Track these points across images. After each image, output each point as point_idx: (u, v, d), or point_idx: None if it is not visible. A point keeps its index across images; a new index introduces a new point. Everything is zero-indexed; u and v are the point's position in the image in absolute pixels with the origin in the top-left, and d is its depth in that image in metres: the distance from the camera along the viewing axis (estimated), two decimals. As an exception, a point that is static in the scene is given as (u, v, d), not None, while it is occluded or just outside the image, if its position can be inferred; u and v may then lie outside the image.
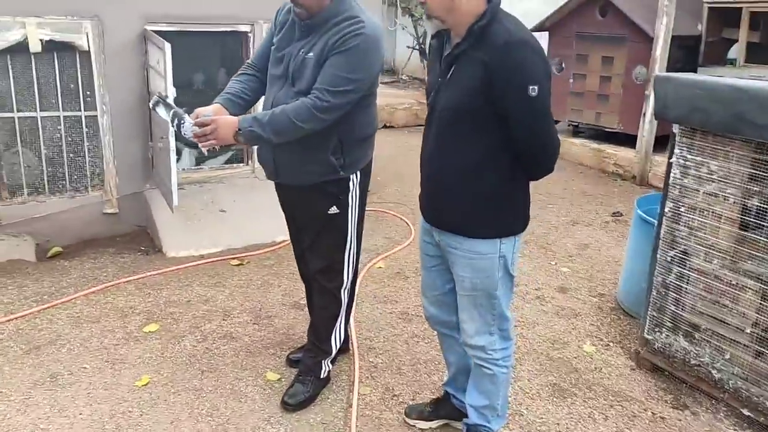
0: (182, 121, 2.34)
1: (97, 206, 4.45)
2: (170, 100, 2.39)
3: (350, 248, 2.69)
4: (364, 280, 3.88)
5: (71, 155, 4.33)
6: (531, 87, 1.92)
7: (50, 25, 4.00)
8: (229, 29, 4.59)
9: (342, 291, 2.73)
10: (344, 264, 2.70)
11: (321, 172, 2.52)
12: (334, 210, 2.59)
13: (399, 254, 4.29)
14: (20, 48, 3.97)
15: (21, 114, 4.12)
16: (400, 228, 4.76)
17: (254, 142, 2.42)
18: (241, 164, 5.00)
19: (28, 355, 3.02)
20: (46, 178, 4.30)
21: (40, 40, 3.99)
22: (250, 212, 4.57)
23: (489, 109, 1.98)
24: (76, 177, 4.38)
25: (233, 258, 4.14)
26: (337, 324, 2.78)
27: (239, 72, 2.65)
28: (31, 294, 3.59)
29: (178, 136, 2.77)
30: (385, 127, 8.04)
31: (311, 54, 2.40)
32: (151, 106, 2.38)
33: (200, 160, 5.12)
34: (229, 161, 5.10)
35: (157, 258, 4.16)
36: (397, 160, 6.40)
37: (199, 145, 2.37)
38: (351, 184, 2.60)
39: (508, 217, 2.15)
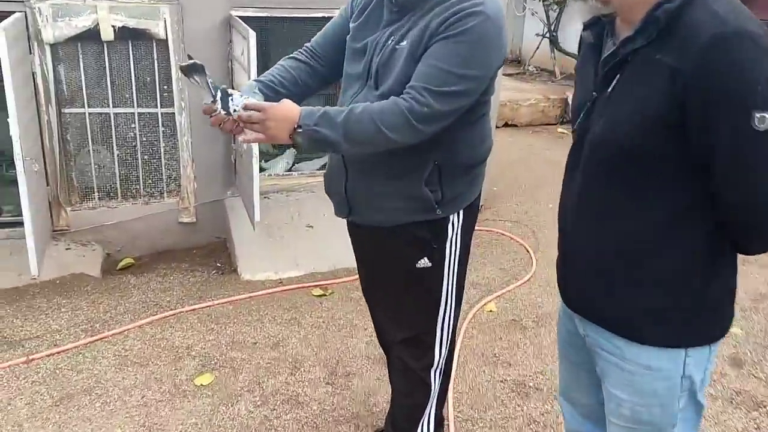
0: (230, 96, 1.62)
1: (173, 214, 3.96)
2: (208, 73, 1.70)
3: (445, 315, 1.94)
4: (469, 328, 3.11)
5: (146, 157, 3.85)
6: (757, 114, 1.10)
7: (124, 9, 3.51)
8: (325, 14, 3.93)
9: (433, 372, 1.99)
10: (436, 336, 1.96)
11: (409, 209, 1.80)
12: (424, 263, 1.85)
13: (516, 293, 3.47)
14: (91, 35, 3.51)
15: (92, 110, 3.68)
16: (519, 256, 3.93)
17: (317, 147, 1.67)
18: (336, 170, 4.34)
19: (56, 407, 2.51)
20: (118, 182, 3.85)
21: (113, 26, 3.51)
22: (340, 229, 3.91)
23: (678, 149, 1.18)
24: (150, 181, 3.91)
25: (316, 286, 3.49)
26: (426, 415, 2.05)
27: (287, 57, 1.95)
28: (83, 320, 3.12)
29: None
30: (506, 125, 7.16)
31: (404, 43, 1.68)
32: (182, 66, 1.66)
33: (294, 162, 4.52)
34: (323, 166, 4.46)
35: (230, 280, 3.60)
36: (518, 166, 5.54)
37: (240, 137, 1.68)
38: (450, 227, 1.85)
39: (700, 316, 1.32)
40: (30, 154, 3.29)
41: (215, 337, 3.01)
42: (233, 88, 1.70)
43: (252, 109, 1.62)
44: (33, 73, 3.48)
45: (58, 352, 2.84)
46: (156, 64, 3.69)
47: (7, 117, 2.98)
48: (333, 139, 1.62)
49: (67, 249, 3.70)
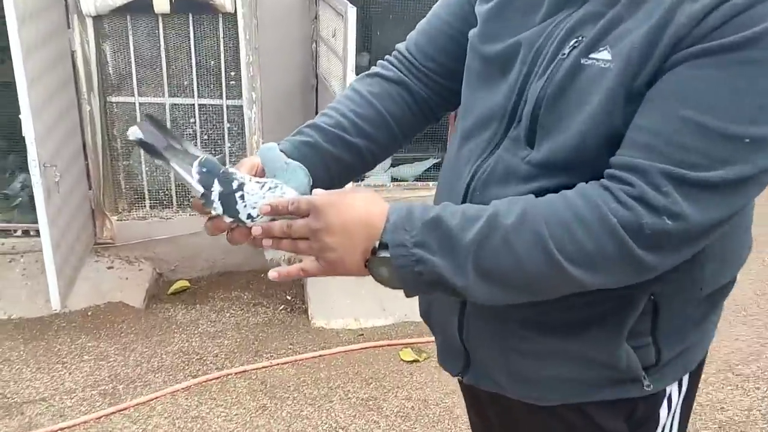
0: (236, 188, 0.84)
1: (238, 230, 3.21)
2: (186, 144, 0.90)
3: None
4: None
5: (207, 159, 3.12)
6: None
7: (183, -27, 2.75)
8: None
9: None
10: None
11: (589, 381, 0.92)
12: None
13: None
14: (142, 6, 2.77)
15: (143, 99, 2.97)
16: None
17: (420, 288, 0.80)
18: (431, 183, 3.44)
19: None
20: (174, 188, 3.14)
21: (169, -5, 2.77)
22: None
23: None
24: (212, 189, 3.17)
25: (406, 345, 2.65)
26: None
27: (364, 74, 1.07)
28: (104, 377, 2.43)
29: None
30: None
31: (604, 53, 0.77)
32: (132, 137, 0.86)
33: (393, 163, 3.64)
34: (426, 174, 3.59)
35: (298, 325, 2.82)
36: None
37: (271, 272, 0.84)
38: (665, 407, 0.97)
39: None
40: (61, 154, 2.63)
41: (266, 420, 2.24)
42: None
43: (289, 213, 0.79)
44: (72, 52, 2.80)
45: (60, 429, 2.16)
46: (221, 45, 2.92)
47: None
48: (453, 279, 0.75)
49: (108, 268, 3.04)
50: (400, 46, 1.07)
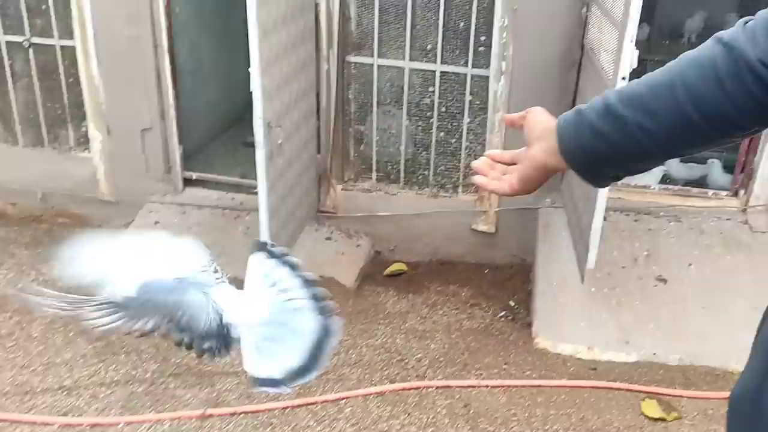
0: None
1: (466, 217, 2.85)
2: None
3: None
4: None
5: (442, 134, 2.78)
6: None
7: None
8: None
9: None
10: None
11: None
12: None
13: None
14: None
15: (382, 61, 2.70)
16: None
17: None
18: (724, 193, 2.72)
19: None
20: (403, 162, 2.86)
21: (422, -57, 2.43)
22: (712, 296, 2.38)
23: None
24: (443, 168, 2.84)
25: (652, 395, 2.09)
26: None
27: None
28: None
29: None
30: None
31: None
32: None
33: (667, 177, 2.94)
34: (698, 181, 2.87)
35: (518, 340, 2.39)
36: None
37: None
38: None
39: None
40: (291, 114, 2.46)
41: (462, 456, 1.86)
42: None
43: None
44: (316, 4, 2.61)
45: (244, 413, 2.00)
46: (474, 3, 2.53)
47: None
48: None
49: (327, 239, 2.87)
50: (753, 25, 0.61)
